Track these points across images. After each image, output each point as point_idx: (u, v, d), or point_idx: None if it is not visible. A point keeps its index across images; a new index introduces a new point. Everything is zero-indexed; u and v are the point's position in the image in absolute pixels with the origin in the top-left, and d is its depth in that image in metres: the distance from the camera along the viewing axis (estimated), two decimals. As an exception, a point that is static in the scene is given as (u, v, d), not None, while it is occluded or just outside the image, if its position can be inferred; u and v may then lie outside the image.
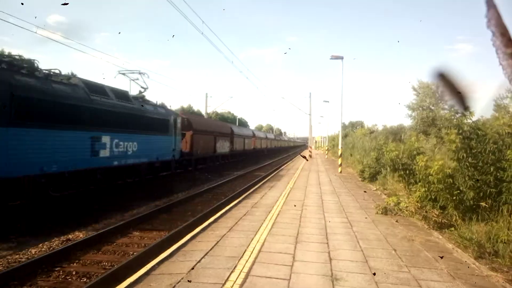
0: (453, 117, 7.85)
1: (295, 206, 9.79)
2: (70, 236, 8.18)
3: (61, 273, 6.03)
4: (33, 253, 7.07)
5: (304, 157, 34.14)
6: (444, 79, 1.59)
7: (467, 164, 7.33)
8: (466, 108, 1.70)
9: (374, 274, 4.73)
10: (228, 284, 4.30)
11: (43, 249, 7.29)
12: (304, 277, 4.59)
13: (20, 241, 7.67)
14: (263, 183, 15.87)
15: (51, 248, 7.39)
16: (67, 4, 5.73)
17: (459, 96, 1.58)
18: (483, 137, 7.25)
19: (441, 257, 5.50)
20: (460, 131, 7.45)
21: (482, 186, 7.03)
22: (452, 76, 1.57)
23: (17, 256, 6.84)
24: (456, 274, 4.83)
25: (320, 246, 6.06)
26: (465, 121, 7.57)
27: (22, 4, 10.14)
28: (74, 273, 6.05)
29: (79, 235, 8.27)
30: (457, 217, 7.24)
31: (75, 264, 6.52)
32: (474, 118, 7.62)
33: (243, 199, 11.07)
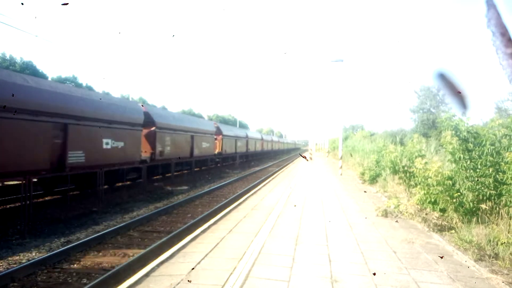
0: (452, 118, 7.83)
1: (295, 206, 9.79)
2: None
3: (61, 274, 6.04)
4: (33, 254, 7.08)
5: (305, 157, 37.55)
6: (444, 79, 1.60)
7: (465, 166, 7.32)
8: (465, 108, 1.70)
9: (374, 274, 4.74)
10: (228, 285, 4.31)
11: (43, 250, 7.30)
12: (304, 279, 4.59)
13: (20, 242, 7.68)
14: (265, 184, 15.88)
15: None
16: (67, 4, 5.74)
17: (459, 96, 1.58)
18: (480, 139, 7.24)
19: (441, 257, 5.50)
20: (458, 133, 7.45)
21: (482, 188, 7.02)
22: (452, 76, 1.57)
23: (17, 257, 6.85)
24: (456, 277, 4.82)
25: (320, 248, 6.06)
26: (462, 124, 7.56)
27: (22, 4, 10.23)
28: (74, 274, 6.06)
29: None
30: (457, 220, 7.23)
31: (75, 265, 6.53)
32: (473, 121, 7.64)
33: (244, 200, 11.07)
